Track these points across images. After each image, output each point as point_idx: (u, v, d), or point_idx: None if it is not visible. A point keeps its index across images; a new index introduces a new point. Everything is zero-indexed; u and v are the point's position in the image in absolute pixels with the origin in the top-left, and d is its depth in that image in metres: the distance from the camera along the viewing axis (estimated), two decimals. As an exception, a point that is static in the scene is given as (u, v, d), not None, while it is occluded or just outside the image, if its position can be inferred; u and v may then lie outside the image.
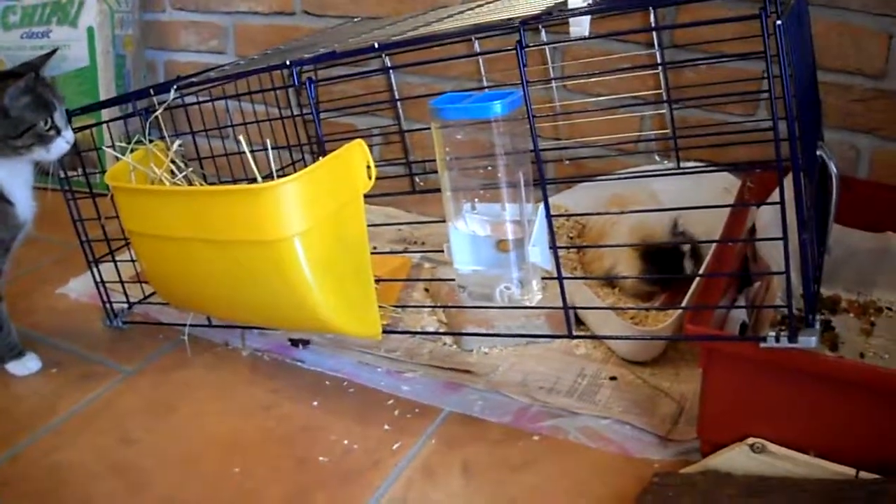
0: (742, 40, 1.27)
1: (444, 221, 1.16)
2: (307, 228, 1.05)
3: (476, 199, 1.06)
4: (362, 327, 1.17)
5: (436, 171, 1.09)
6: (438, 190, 1.12)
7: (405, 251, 1.74)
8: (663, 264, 1.44)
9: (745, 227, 1.34)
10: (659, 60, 1.59)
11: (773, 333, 0.98)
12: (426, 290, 1.59)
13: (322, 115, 1.85)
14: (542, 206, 1.01)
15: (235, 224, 1.08)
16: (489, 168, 1.02)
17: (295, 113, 1.75)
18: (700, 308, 1.08)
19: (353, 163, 1.12)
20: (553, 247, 1.03)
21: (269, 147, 1.09)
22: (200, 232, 1.12)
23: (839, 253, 1.46)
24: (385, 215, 1.89)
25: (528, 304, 1.05)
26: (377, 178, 1.10)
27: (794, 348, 0.97)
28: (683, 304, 1.32)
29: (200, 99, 1.53)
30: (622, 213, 1.46)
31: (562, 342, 1.44)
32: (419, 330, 1.46)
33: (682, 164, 1.60)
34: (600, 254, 1.54)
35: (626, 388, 1.32)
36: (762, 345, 0.99)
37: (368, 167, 1.13)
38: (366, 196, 1.15)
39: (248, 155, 1.08)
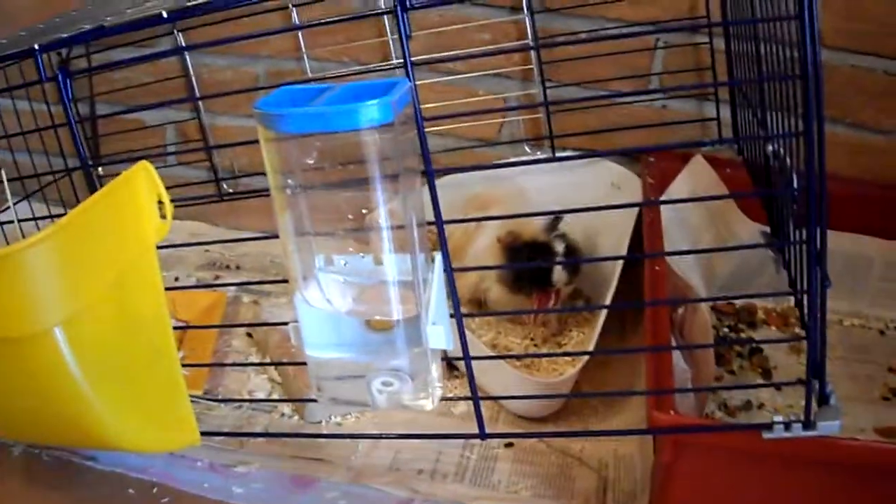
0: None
1: (262, 238, 0.85)
2: (73, 313, 0.69)
3: (334, 251, 0.69)
4: (171, 437, 0.82)
5: (248, 174, 0.72)
6: (250, 195, 0.75)
7: (216, 280, 1.36)
8: (533, 273, 1.15)
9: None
10: (529, 30, 1.30)
11: (782, 420, 0.70)
12: (249, 335, 1.23)
13: (102, 111, 1.48)
14: (438, 258, 0.67)
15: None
16: (357, 199, 0.66)
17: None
18: (664, 392, 0.78)
19: (138, 199, 0.75)
20: (457, 315, 0.69)
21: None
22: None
23: (747, 253, 1.24)
24: (188, 233, 1.51)
25: (426, 406, 0.70)
26: (176, 187, 0.73)
27: (810, 436, 0.70)
28: (593, 341, 1.03)
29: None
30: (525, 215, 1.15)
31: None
32: (246, 397, 1.10)
33: (557, 156, 1.31)
34: (465, 263, 1.21)
35: (528, 458, 1.03)
36: (766, 435, 0.70)
37: (161, 203, 0.76)
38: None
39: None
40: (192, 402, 0.83)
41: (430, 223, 0.67)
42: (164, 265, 1.33)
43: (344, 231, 0.68)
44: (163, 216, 0.77)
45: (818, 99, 0.60)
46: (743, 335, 1.21)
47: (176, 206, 0.97)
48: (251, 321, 1.24)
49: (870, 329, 1.23)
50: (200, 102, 1.46)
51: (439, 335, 0.66)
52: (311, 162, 0.64)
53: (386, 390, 0.69)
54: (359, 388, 0.70)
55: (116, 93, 1.47)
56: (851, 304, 1.27)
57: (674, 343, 1.01)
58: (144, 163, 0.76)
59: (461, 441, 1.04)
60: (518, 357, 1.12)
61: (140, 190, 0.76)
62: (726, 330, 1.22)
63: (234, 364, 1.16)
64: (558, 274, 1.12)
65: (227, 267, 1.40)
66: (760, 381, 1.12)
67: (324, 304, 0.68)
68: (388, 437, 1.01)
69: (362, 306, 0.68)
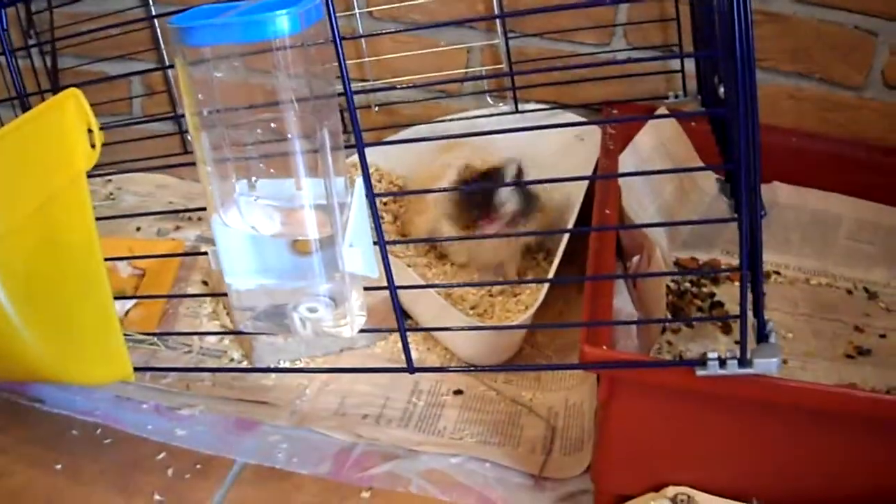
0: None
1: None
2: (-3, 235, 0.67)
3: (255, 174, 0.68)
4: (101, 370, 0.80)
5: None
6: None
7: (177, 231, 1.34)
8: (481, 201, 1.09)
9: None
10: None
11: (716, 357, 0.68)
12: (204, 283, 1.22)
13: (64, 64, 1.46)
14: (358, 181, 0.65)
15: None
16: (273, 123, 0.64)
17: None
18: (598, 324, 0.76)
19: (66, 126, 0.73)
20: (381, 242, 0.67)
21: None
22: None
23: (710, 208, 1.23)
24: (153, 185, 1.49)
25: (344, 332, 0.69)
26: (141, 139, 0.71)
27: (745, 374, 0.67)
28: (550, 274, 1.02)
29: None
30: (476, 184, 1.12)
31: (386, 343, 1.11)
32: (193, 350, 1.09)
33: (520, 107, 1.29)
34: (424, 206, 1.20)
35: (477, 405, 1.01)
36: (699, 372, 0.68)
37: (90, 131, 0.74)
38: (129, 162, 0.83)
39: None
40: (138, 342, 0.82)
41: (349, 146, 0.65)
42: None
43: (261, 155, 0.66)
44: (92, 145, 0.76)
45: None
46: (705, 290, 1.19)
47: (141, 160, 0.96)
48: (208, 270, 1.22)
49: (837, 288, 1.22)
50: (164, 49, 1.43)
51: (356, 258, 0.64)
52: (223, 76, 0.62)
53: (310, 317, 0.68)
54: (280, 315, 0.69)
55: (84, 45, 1.42)
56: (819, 263, 1.26)
57: (624, 289, 1.00)
58: (74, 90, 0.75)
59: (409, 388, 1.03)
60: (442, 286, 1.11)
61: (69, 116, 0.74)
62: (688, 285, 1.20)
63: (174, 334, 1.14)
64: (505, 195, 1.08)
65: (189, 218, 1.39)
66: (720, 334, 1.10)
67: (246, 229, 0.67)
68: (309, 371, 1.02)
69: (286, 228, 0.67)
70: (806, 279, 1.23)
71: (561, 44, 1.30)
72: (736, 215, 0.71)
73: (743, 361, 0.69)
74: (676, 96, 1.26)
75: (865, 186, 1.24)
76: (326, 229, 0.65)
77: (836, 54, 1.25)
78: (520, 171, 1.09)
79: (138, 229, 1.35)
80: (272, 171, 0.66)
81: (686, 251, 1.24)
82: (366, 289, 0.71)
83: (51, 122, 0.73)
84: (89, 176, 0.77)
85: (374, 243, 0.68)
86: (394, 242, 1.07)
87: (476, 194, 1.09)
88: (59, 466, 0.92)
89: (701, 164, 1.21)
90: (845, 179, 1.25)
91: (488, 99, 1.35)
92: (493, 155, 1.16)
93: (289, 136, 0.62)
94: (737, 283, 1.18)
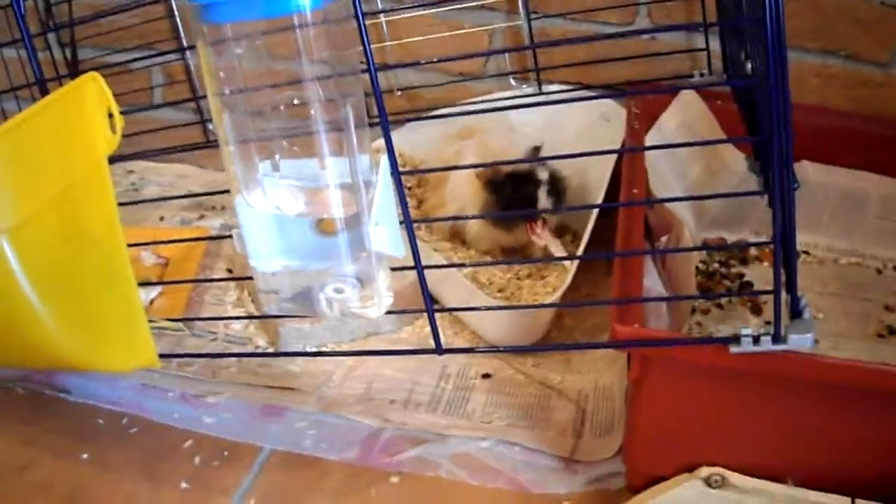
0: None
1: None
2: (18, 223, 0.67)
3: (278, 155, 0.67)
4: (126, 357, 0.79)
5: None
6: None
7: (201, 220, 1.34)
8: (519, 203, 1.10)
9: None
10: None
11: (751, 333, 0.66)
12: (229, 270, 1.21)
13: (84, 56, 1.46)
14: (384, 160, 0.64)
15: None
16: (296, 100, 0.64)
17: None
18: (628, 301, 0.75)
19: (86, 111, 0.73)
20: (407, 221, 0.66)
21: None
22: None
23: (738, 187, 1.19)
24: (175, 175, 1.49)
25: (371, 313, 0.68)
26: (163, 129, 0.70)
27: (780, 351, 0.66)
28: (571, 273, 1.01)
29: None
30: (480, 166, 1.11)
31: (413, 328, 1.10)
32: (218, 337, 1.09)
33: (544, 89, 1.27)
34: (443, 200, 1.19)
35: (506, 389, 1.00)
36: (733, 349, 0.67)
37: (111, 115, 0.73)
38: (150, 153, 0.83)
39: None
40: (163, 329, 0.81)
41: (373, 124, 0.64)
42: (150, 204, 1.34)
43: (284, 134, 0.65)
44: (113, 129, 0.75)
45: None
46: (734, 271, 1.17)
47: (161, 153, 0.95)
48: (232, 258, 1.22)
49: (867, 268, 1.19)
50: (183, 37, 1.43)
51: (382, 237, 0.63)
52: (244, 53, 0.61)
53: (336, 298, 0.67)
54: (306, 296, 0.68)
55: (103, 35, 1.44)
56: (848, 242, 1.23)
57: (653, 269, 0.99)
58: (94, 73, 0.74)
59: (437, 372, 1.02)
60: (467, 266, 1.11)
61: (88, 100, 0.74)
62: (717, 265, 1.19)
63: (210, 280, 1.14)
64: (543, 199, 1.09)
65: (213, 207, 1.38)
66: (750, 315, 1.09)
67: (270, 209, 0.66)
68: (336, 354, 1.02)
69: (310, 208, 0.66)
70: (835, 259, 1.21)
71: (584, 24, 1.28)
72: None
73: (777, 337, 0.67)
74: (702, 75, 1.25)
75: (894, 163, 1.22)
76: (352, 208, 0.64)
77: (862, 30, 1.23)
78: (551, 174, 1.10)
79: (162, 219, 1.35)
80: (296, 149, 0.65)
81: (714, 231, 1.22)
82: (392, 269, 0.70)
83: (71, 106, 0.73)
84: (111, 163, 0.76)
85: (401, 223, 0.67)
86: (420, 221, 1.07)
87: (514, 199, 1.09)
88: (85, 456, 0.91)
89: (729, 144, 1.19)
90: (873, 157, 1.23)
91: (511, 81, 1.33)
92: (513, 142, 1.15)
93: (311, 112, 0.61)
94: (766, 264, 1.19)
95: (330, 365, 1.04)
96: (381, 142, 0.66)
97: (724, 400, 0.75)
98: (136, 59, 1.32)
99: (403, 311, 0.84)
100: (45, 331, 0.72)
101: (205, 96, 0.68)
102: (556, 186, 1.11)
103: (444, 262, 1.07)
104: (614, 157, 1.13)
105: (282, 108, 0.64)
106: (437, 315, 0.74)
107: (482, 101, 1.27)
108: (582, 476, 0.87)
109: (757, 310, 1.08)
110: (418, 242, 0.71)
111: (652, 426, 0.78)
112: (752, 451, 0.76)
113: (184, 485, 0.87)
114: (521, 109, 1.25)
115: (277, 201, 0.67)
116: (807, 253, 1.21)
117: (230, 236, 0.70)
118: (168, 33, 1.44)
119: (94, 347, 0.76)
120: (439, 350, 0.74)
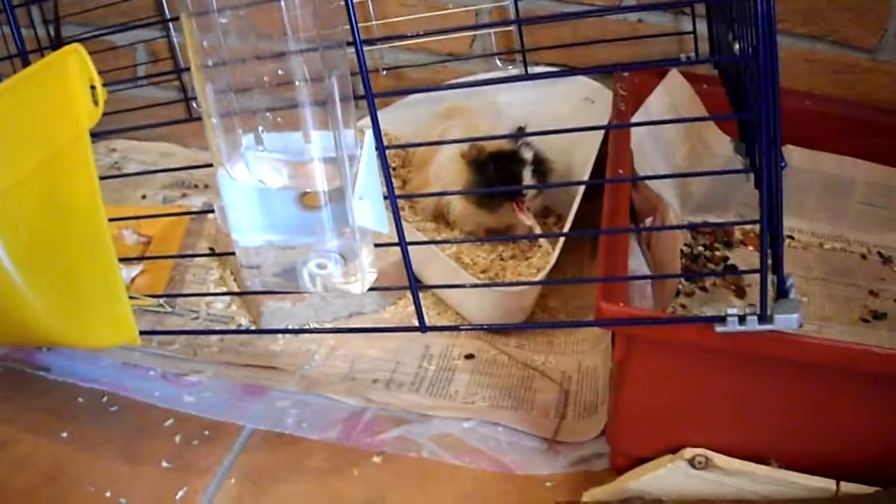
0: None
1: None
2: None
3: (262, 127, 0.66)
4: (106, 333, 0.78)
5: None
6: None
7: (183, 198, 1.33)
8: (503, 182, 1.09)
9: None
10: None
11: (736, 313, 0.66)
12: (211, 249, 1.20)
13: (68, 33, 1.44)
14: (368, 134, 0.63)
15: None
16: (280, 73, 0.63)
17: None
18: (613, 279, 0.74)
19: (68, 81, 0.72)
20: (391, 196, 0.66)
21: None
22: None
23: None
24: (158, 153, 1.48)
25: (354, 289, 0.67)
26: (146, 107, 0.69)
27: (766, 330, 0.66)
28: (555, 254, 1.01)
29: None
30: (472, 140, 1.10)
31: (396, 307, 1.09)
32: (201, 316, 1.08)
33: (530, 71, 1.27)
34: (427, 180, 1.18)
35: (489, 370, 1.00)
36: (718, 329, 0.67)
37: (93, 87, 0.72)
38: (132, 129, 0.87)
39: None
40: (145, 307, 0.80)
41: (359, 97, 0.63)
42: (132, 183, 1.33)
43: (269, 107, 0.64)
44: (95, 102, 0.74)
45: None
46: (718, 254, 1.18)
47: (143, 128, 0.95)
48: (215, 237, 1.21)
49: (851, 253, 1.20)
50: (167, 10, 1.41)
51: (366, 211, 0.63)
52: (228, 22, 0.60)
53: (320, 273, 0.66)
54: (289, 272, 0.67)
55: (87, 13, 1.42)
56: (833, 227, 1.24)
57: (638, 251, 0.98)
58: (76, 45, 0.73)
59: (419, 347, 1.02)
60: (451, 242, 1.11)
61: (70, 72, 0.72)
62: (701, 248, 1.19)
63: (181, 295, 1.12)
64: (528, 179, 1.08)
65: (195, 186, 1.37)
66: (734, 298, 1.09)
67: (253, 182, 0.65)
68: (319, 332, 1.01)
69: (294, 181, 0.65)
70: (820, 244, 1.21)
71: (571, 5, 1.27)
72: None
73: (763, 317, 0.67)
74: (689, 58, 1.24)
75: (880, 150, 1.22)
76: (335, 182, 0.63)
77: (850, 16, 1.22)
78: (535, 154, 1.10)
79: (144, 197, 1.34)
80: (279, 121, 0.64)
81: (699, 215, 1.22)
82: (376, 245, 0.69)
83: (52, 77, 0.72)
84: (94, 138, 0.75)
85: (385, 198, 0.66)
86: (404, 197, 1.06)
87: (498, 178, 1.08)
88: (65, 434, 0.90)
89: (715, 127, 1.19)
90: (859, 143, 1.22)
91: (497, 62, 1.32)
92: (499, 123, 1.14)
93: (296, 84, 0.60)
94: (751, 248, 1.19)
95: (312, 344, 1.03)
96: (366, 120, 0.65)
97: (709, 381, 0.75)
98: (119, 30, 1.31)
99: (387, 289, 0.84)
100: (25, 303, 0.70)
101: (188, 68, 0.67)
102: (541, 167, 1.11)
103: (426, 240, 1.06)
104: (599, 140, 1.13)
105: (266, 80, 0.63)
106: (420, 294, 0.73)
107: (469, 82, 1.26)
108: (565, 457, 0.87)
109: (741, 293, 1.09)
110: (402, 223, 0.70)
111: (636, 407, 0.78)
112: (737, 432, 0.76)
113: (164, 464, 0.87)
114: (507, 92, 1.24)
115: (260, 174, 0.66)
116: (791, 238, 1.21)
117: (213, 211, 0.69)
118: (152, 10, 1.42)
119: (74, 322, 0.75)
120: (423, 328, 0.73)
